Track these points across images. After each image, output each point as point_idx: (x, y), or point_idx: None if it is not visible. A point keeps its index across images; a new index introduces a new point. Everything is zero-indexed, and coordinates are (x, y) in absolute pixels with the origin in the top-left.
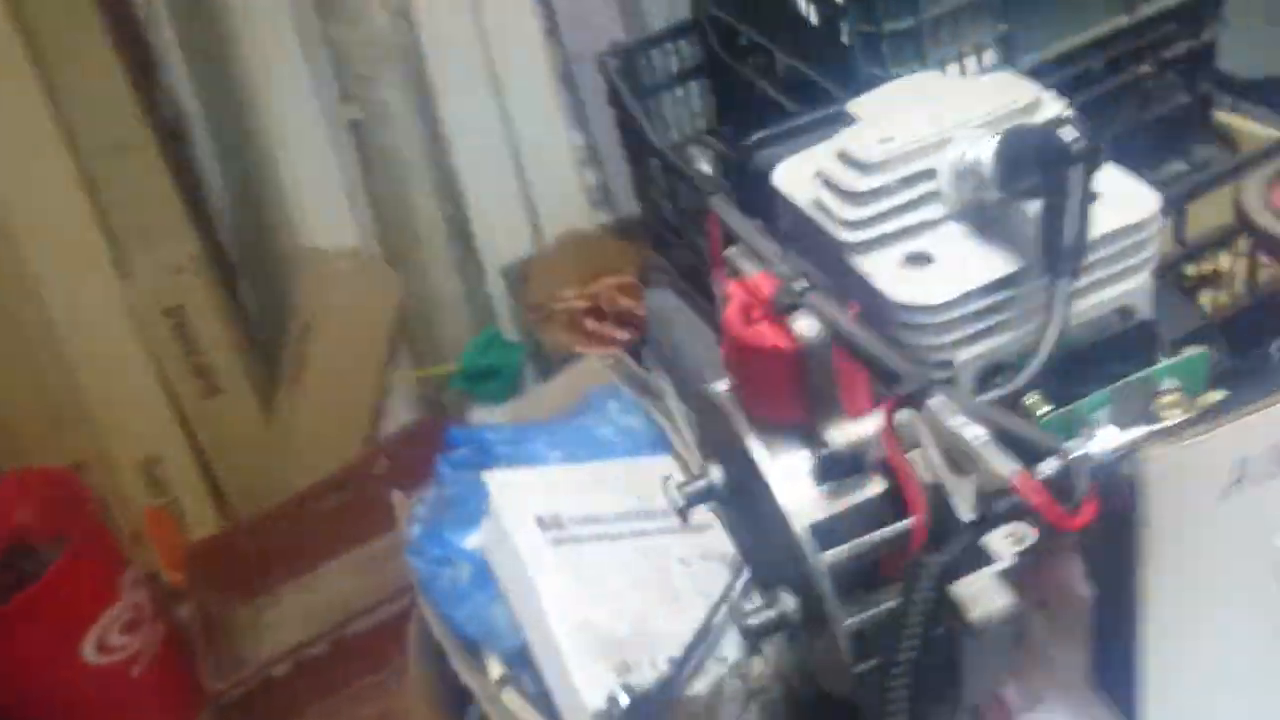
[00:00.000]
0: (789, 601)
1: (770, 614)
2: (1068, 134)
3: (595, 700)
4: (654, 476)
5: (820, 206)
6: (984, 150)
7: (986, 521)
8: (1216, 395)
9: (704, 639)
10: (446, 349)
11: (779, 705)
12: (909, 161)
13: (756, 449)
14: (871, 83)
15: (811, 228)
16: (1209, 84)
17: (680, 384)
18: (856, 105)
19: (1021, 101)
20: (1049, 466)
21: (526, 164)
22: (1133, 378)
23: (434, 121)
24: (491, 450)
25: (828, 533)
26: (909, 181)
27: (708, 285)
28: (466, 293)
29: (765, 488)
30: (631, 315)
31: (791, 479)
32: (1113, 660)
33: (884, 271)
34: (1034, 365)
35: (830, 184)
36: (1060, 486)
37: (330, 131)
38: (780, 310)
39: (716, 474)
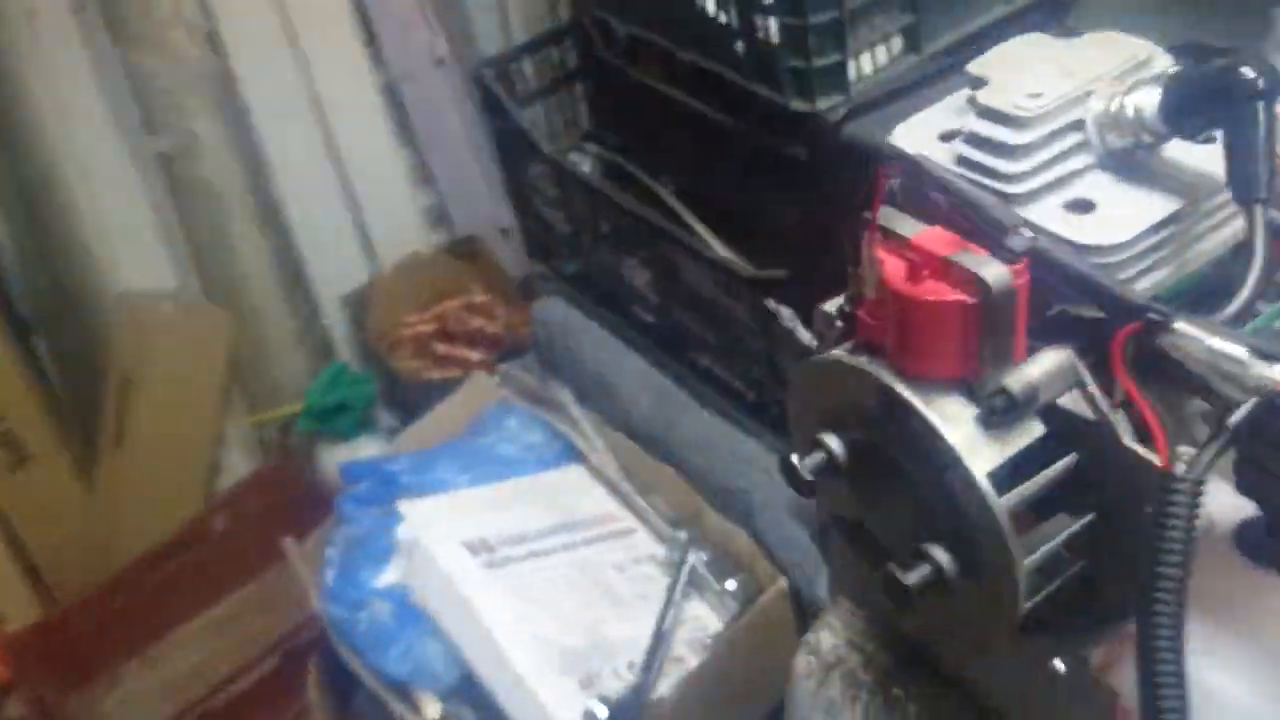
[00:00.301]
0: (942, 556)
1: (926, 570)
2: (1249, 71)
3: (568, 717)
4: (568, 488)
5: (968, 163)
6: (1144, 99)
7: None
8: None
9: (662, 640)
10: (286, 389)
11: (860, 673)
12: (1060, 114)
13: (918, 402)
14: (799, 75)
15: (951, 186)
16: None
17: (584, 391)
18: (979, 66)
19: (1142, 55)
20: None
21: (356, 188)
22: None
23: (252, 150)
24: (395, 481)
25: (1000, 478)
26: (1060, 133)
27: (601, 290)
28: (302, 328)
29: (934, 438)
30: (482, 334)
31: (957, 427)
32: None
33: (1052, 219)
34: (1249, 289)
35: (981, 140)
36: None
37: (136, 166)
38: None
39: (835, 444)
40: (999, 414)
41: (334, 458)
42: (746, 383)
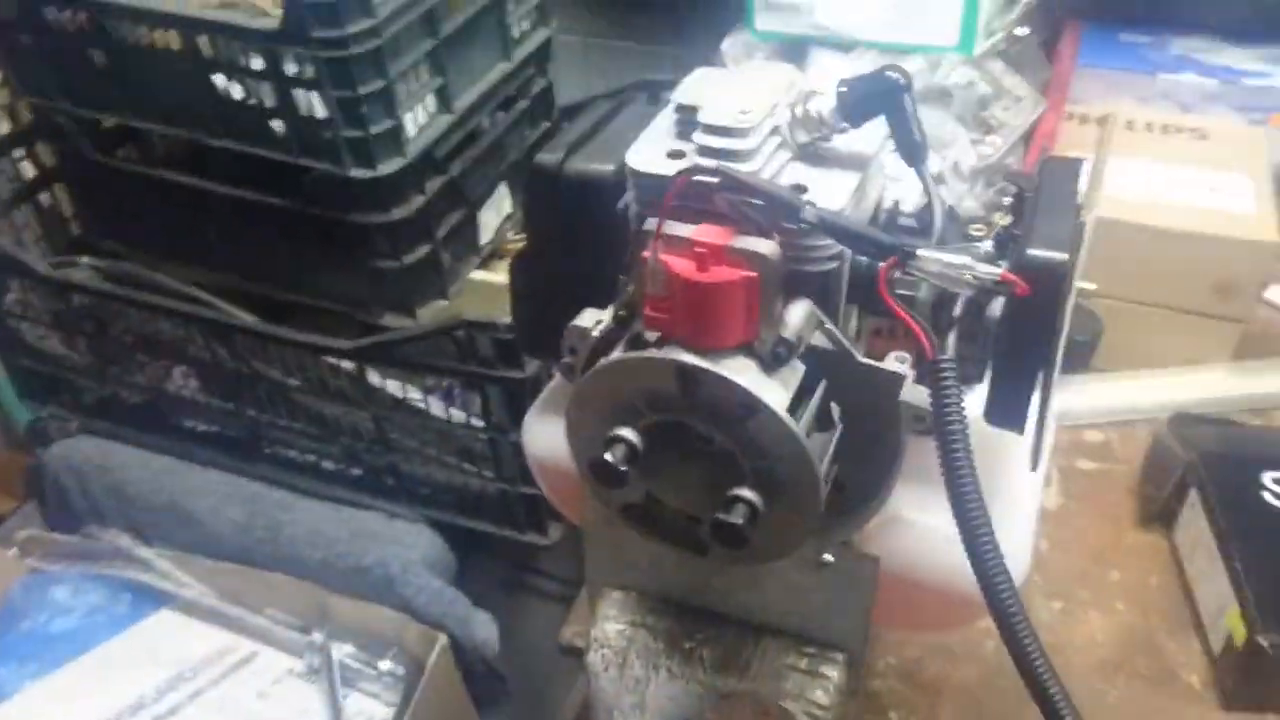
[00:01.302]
0: (751, 494)
1: (744, 509)
2: (892, 73)
3: None
4: (166, 636)
5: (704, 171)
6: (822, 104)
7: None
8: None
9: None
10: None
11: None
12: (766, 123)
13: (718, 369)
14: (355, 144)
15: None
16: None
17: (146, 526)
18: (684, 96)
19: (791, 76)
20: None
21: None
22: None
23: None
24: None
25: (790, 411)
26: (768, 138)
27: (142, 412)
28: None
29: (735, 392)
30: None
31: (751, 378)
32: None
33: None
34: (938, 223)
35: (715, 151)
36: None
37: None
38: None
39: (631, 434)
40: (783, 360)
41: None
42: (349, 459)
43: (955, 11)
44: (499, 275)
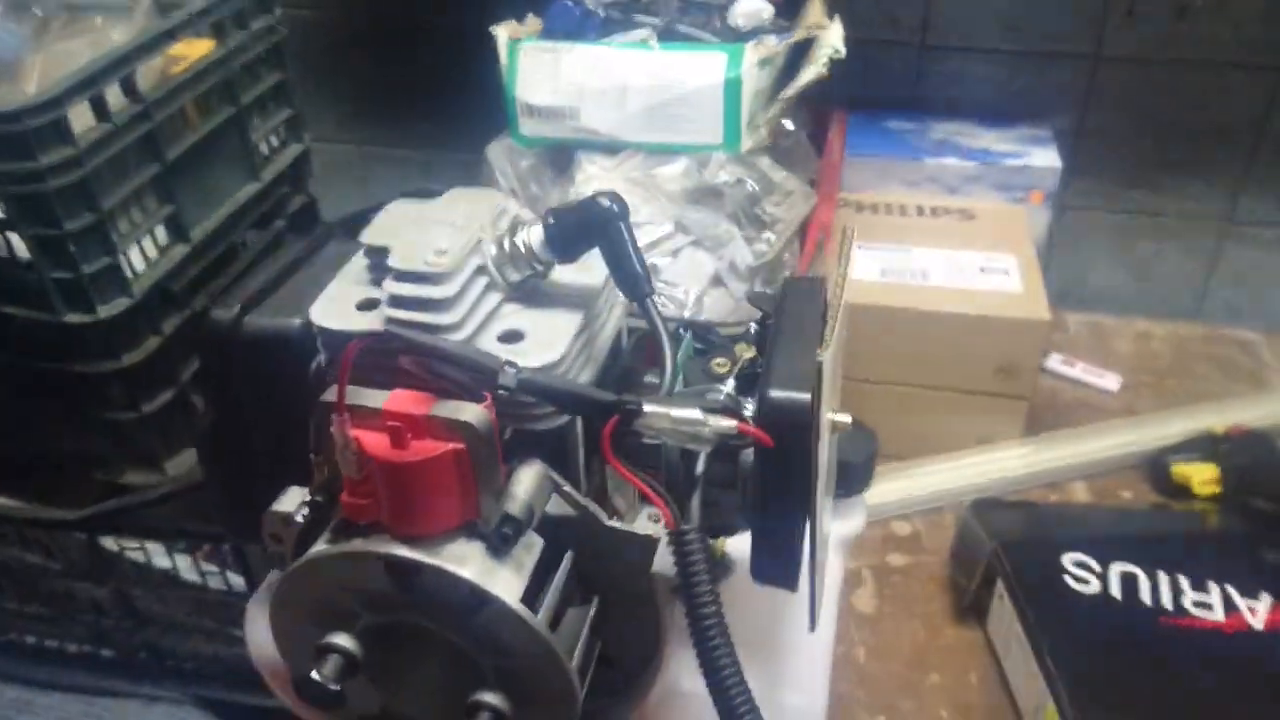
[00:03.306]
0: (494, 698)
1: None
2: (604, 201)
3: None
4: None
5: (401, 324)
6: (531, 236)
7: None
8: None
9: None
10: None
11: None
12: (467, 263)
13: (433, 560)
14: (67, 287)
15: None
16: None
17: None
18: (373, 236)
19: (500, 202)
20: (742, 413)
21: None
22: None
23: None
24: None
25: (527, 600)
26: (472, 278)
27: None
28: None
29: (459, 586)
30: None
31: (475, 566)
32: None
33: (497, 354)
34: (669, 366)
35: (408, 301)
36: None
37: None
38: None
39: (346, 641)
40: (511, 540)
41: None
42: (95, 640)
43: (717, 109)
44: None
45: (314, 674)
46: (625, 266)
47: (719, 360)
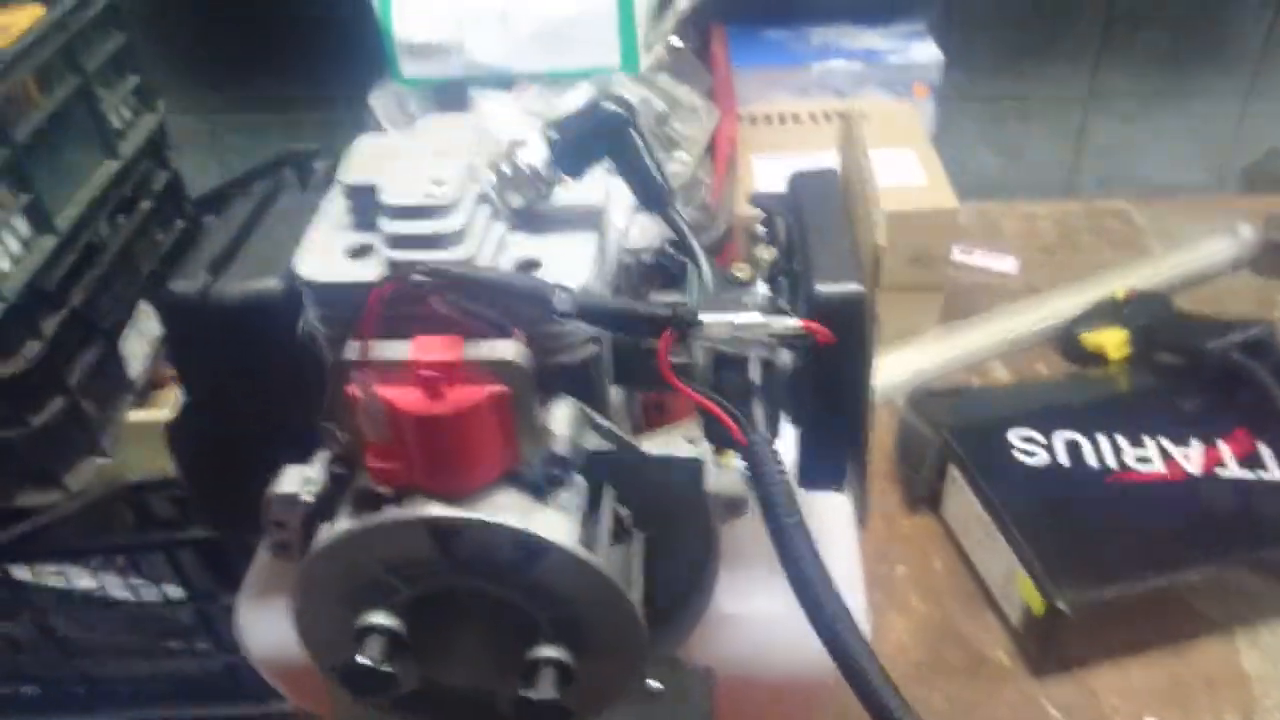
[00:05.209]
0: (557, 651)
1: (553, 673)
2: (610, 105)
3: None
4: None
5: (408, 265)
6: (533, 155)
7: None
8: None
9: None
10: None
11: None
12: (469, 192)
13: (484, 516)
14: None
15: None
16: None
17: None
18: (353, 174)
19: (473, 121)
20: (799, 311)
21: None
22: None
23: None
24: None
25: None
26: (477, 208)
27: None
28: None
29: (514, 539)
30: None
31: (529, 516)
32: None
33: None
34: (708, 279)
35: (411, 240)
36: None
37: None
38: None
39: (387, 619)
40: (559, 482)
41: None
42: (18, 678)
43: (611, 29)
44: (163, 410)
45: (360, 658)
46: (643, 175)
47: (738, 265)
